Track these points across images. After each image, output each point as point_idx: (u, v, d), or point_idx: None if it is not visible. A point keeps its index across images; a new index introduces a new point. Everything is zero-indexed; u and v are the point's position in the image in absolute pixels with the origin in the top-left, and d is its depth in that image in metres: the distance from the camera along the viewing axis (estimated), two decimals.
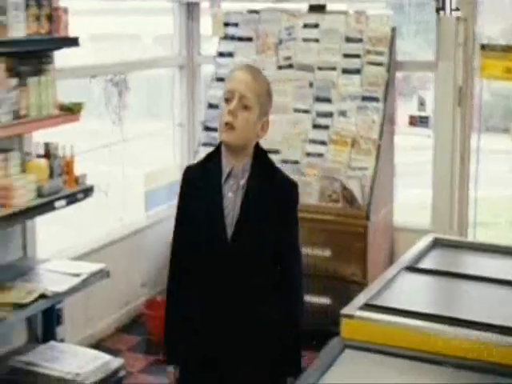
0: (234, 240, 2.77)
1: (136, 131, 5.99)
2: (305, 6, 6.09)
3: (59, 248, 5.13)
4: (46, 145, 4.31)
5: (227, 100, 2.73)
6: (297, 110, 5.85)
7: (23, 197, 3.96)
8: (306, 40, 5.97)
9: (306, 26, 6.01)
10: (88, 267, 4.36)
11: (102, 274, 4.37)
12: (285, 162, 5.65)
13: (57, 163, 4.23)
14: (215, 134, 5.95)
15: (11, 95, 3.93)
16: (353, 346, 2.54)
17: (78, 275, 4.23)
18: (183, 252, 2.89)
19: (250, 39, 6.16)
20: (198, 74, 6.62)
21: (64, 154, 4.31)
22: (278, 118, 5.78)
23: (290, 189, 2.87)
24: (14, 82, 3.96)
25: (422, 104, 6.03)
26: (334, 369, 2.42)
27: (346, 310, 2.67)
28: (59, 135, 4.42)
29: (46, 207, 4.07)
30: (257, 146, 2.86)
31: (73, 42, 4.30)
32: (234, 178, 2.80)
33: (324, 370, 2.42)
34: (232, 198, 2.78)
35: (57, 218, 4.61)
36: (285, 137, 5.78)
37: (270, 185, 2.81)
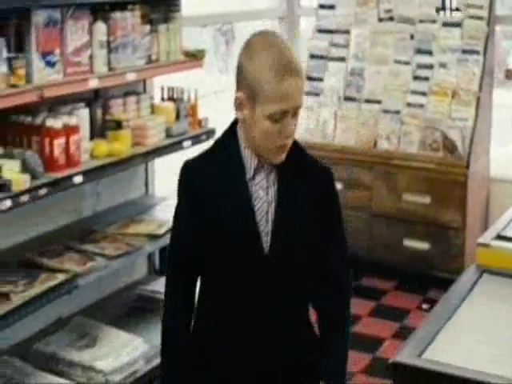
0: (272, 252, 2.17)
1: None
2: None
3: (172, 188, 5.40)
4: (172, 89, 4.58)
5: (276, 118, 2.10)
6: (397, 62, 6.00)
7: (155, 137, 4.24)
8: None
9: None
10: None
11: None
12: (386, 111, 5.86)
13: (183, 106, 4.49)
14: (317, 84, 6.17)
15: (145, 41, 4.19)
16: (490, 272, 2.75)
17: None
18: (191, 272, 2.29)
19: None
20: (298, 26, 6.81)
21: (189, 97, 4.57)
22: (378, 69, 5.98)
23: (330, 177, 2.31)
24: (147, 28, 4.22)
25: None
26: (475, 290, 2.63)
27: (481, 240, 2.87)
28: (171, 81, 4.67)
29: (175, 147, 4.34)
30: None
31: None
32: (261, 173, 2.20)
33: (465, 292, 2.63)
34: (263, 197, 2.19)
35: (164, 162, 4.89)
36: (386, 87, 5.95)
37: (306, 176, 2.24)
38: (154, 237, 4.08)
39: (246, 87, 2.12)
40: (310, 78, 6.23)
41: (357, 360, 4.63)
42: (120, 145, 3.94)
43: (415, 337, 2.30)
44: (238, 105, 2.16)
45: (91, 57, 3.83)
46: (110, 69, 3.93)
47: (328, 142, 6.03)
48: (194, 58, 4.55)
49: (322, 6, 6.38)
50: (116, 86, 4.16)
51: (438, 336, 2.27)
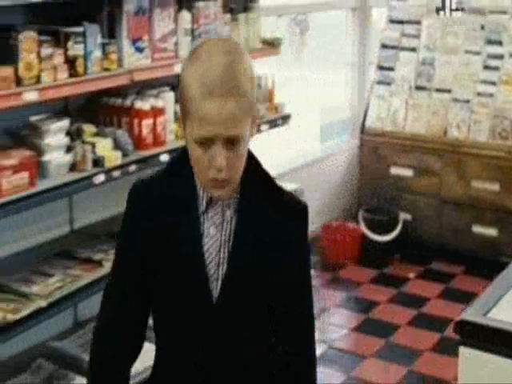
0: (222, 301, 1.84)
1: (312, 68, 6.42)
2: None
3: None
4: None
5: (204, 145, 1.73)
6: (468, 52, 6.12)
7: None
8: None
9: None
10: (286, 185, 4.84)
11: (299, 194, 4.85)
12: (456, 100, 5.99)
13: (261, 92, 4.71)
14: (389, 73, 6.33)
15: (225, 29, 4.42)
16: None
17: None
18: (130, 314, 1.94)
19: None
20: (370, 17, 6.96)
21: (266, 83, 4.79)
22: (449, 59, 6.11)
23: (300, 216, 1.92)
24: (227, 17, 4.45)
25: None
26: None
27: None
28: None
29: None
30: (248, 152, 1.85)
31: None
32: (216, 205, 1.85)
33: None
34: (215, 235, 1.85)
35: None
36: (456, 77, 6.07)
37: (271, 212, 1.87)
38: None
39: (180, 100, 1.78)
40: (381, 68, 6.39)
41: (426, 339, 4.80)
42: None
43: (481, 299, 2.46)
44: (179, 120, 1.92)
45: (176, 43, 4.08)
46: None
47: (399, 130, 6.19)
48: (272, 45, 4.76)
49: None
50: None
51: (502, 298, 2.43)
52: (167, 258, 1.86)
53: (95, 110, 3.93)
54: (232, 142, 1.72)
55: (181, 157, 1.88)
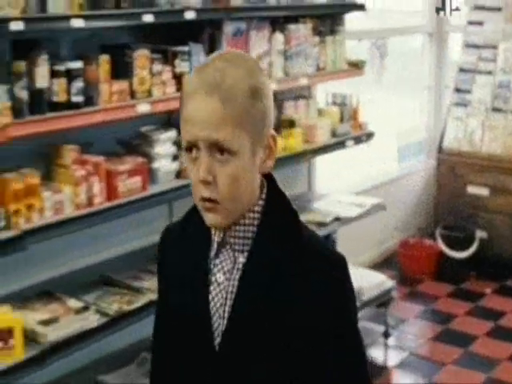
0: (224, 352, 1.62)
1: (390, 91, 6.67)
2: None
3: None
4: (335, 95, 5.07)
5: (190, 153, 1.57)
6: None
7: (322, 136, 4.74)
8: None
9: None
10: (368, 200, 5.09)
11: (379, 207, 5.08)
12: None
13: (346, 110, 4.98)
14: (465, 95, 6.54)
15: (315, 50, 4.71)
16: None
17: (360, 206, 4.97)
18: (163, 357, 1.77)
19: (498, 9, 6.65)
20: (446, 41, 7.19)
21: (350, 102, 5.06)
22: None
23: (332, 275, 1.59)
24: (315, 39, 4.74)
25: None
26: None
27: None
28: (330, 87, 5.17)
29: (338, 145, 4.83)
30: (269, 181, 1.67)
31: (360, 7, 5.01)
32: (228, 249, 1.64)
33: None
34: (224, 283, 1.63)
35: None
36: None
37: (292, 265, 1.58)
38: (321, 224, 4.57)
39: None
40: (458, 90, 6.60)
41: (504, 349, 4.98)
42: (293, 141, 4.46)
43: None
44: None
45: (270, 63, 4.37)
46: (286, 74, 4.46)
47: (475, 150, 6.38)
48: (356, 67, 5.03)
49: (470, 23, 6.75)
50: (289, 90, 4.69)
51: None
52: (173, 303, 1.71)
53: None
54: (219, 151, 1.52)
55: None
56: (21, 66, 3.17)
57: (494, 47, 6.55)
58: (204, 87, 1.52)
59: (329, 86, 5.25)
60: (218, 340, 1.62)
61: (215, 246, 1.65)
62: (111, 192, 3.46)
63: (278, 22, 4.49)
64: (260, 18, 4.32)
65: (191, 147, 1.55)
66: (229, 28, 4.12)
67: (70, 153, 3.38)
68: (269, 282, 1.57)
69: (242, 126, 1.53)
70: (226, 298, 1.62)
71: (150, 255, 4.01)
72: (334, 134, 4.83)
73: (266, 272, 1.58)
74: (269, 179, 1.66)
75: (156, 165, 3.75)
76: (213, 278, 1.64)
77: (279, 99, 4.68)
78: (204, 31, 4.08)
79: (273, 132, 1.62)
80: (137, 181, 3.57)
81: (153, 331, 1.81)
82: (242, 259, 1.62)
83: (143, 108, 3.59)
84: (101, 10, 3.41)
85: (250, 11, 4.22)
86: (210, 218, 1.58)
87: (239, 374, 1.59)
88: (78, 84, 3.33)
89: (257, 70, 1.60)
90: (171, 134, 3.85)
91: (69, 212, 3.31)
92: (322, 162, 5.42)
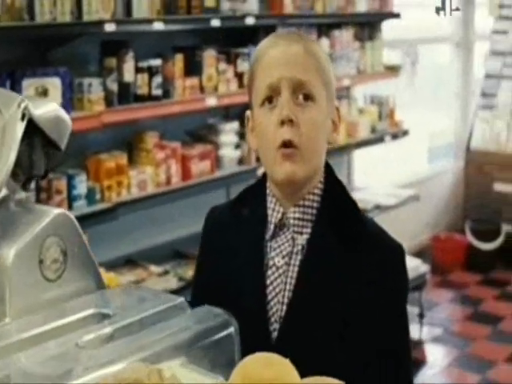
0: (282, 343, 1.55)
1: (420, 97, 7.16)
2: None
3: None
4: (373, 96, 5.57)
5: (270, 101, 1.56)
6: None
7: (363, 131, 5.23)
8: None
9: None
10: (403, 192, 5.58)
11: (414, 198, 5.56)
12: None
13: (384, 110, 5.47)
14: (491, 99, 7.01)
15: (355, 54, 5.20)
16: None
17: (396, 196, 5.45)
18: None
19: None
20: (472, 50, 7.68)
21: (387, 103, 5.55)
22: None
23: (393, 258, 1.61)
24: (356, 44, 5.23)
25: None
26: None
27: None
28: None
29: (377, 140, 5.33)
30: (326, 168, 1.66)
31: (396, 16, 5.51)
32: (286, 231, 1.61)
33: None
34: (283, 267, 1.59)
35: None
36: None
37: (354, 251, 1.58)
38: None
39: (248, 84, 1.65)
40: (484, 95, 7.09)
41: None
42: (338, 135, 4.95)
43: None
44: (246, 121, 1.67)
45: None
46: None
47: (501, 150, 6.85)
48: (393, 70, 5.53)
49: (495, 32, 7.24)
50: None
51: None
52: (226, 289, 1.61)
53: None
54: (301, 92, 1.53)
55: (255, 185, 1.70)
56: (112, 61, 3.69)
57: None
58: (286, 39, 1.58)
59: (366, 89, 5.74)
60: (274, 326, 1.57)
61: (272, 227, 1.60)
62: (186, 173, 3.96)
63: (324, 28, 4.99)
64: (308, 24, 4.82)
65: (271, 96, 1.54)
66: (281, 32, 4.61)
67: (151, 139, 3.89)
68: (330, 267, 1.55)
69: (322, 79, 1.57)
70: (285, 283, 1.57)
71: None
72: (373, 130, 5.32)
73: (327, 257, 1.56)
74: (326, 167, 1.65)
75: (222, 152, 4.25)
76: (271, 262, 1.59)
77: None
78: (259, 35, 4.59)
79: (337, 104, 1.66)
80: (206, 164, 4.07)
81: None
82: (300, 241, 1.58)
83: (211, 101, 4.09)
84: (175, 15, 3.92)
85: (300, 18, 4.72)
86: (286, 168, 1.53)
87: (296, 361, 1.29)
88: (158, 79, 3.84)
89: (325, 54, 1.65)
90: (234, 125, 4.35)
91: (151, 189, 3.81)
92: (359, 158, 5.90)
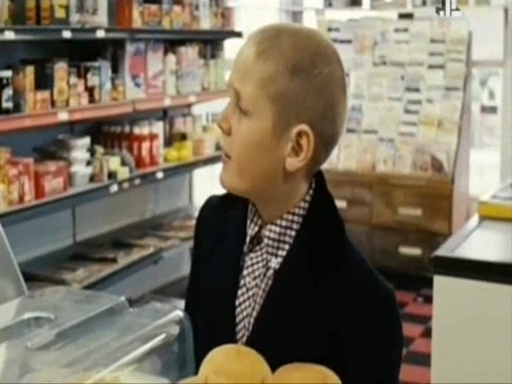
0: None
1: None
2: (396, 14, 7.38)
3: None
4: (214, 114, 5.60)
5: None
6: (391, 99, 7.09)
7: (209, 148, 5.24)
8: (397, 42, 7.23)
9: (397, 30, 7.27)
10: None
11: None
12: (382, 140, 6.94)
13: None
14: None
15: (200, 71, 5.22)
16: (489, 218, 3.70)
17: None
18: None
19: (349, 41, 7.43)
20: None
21: None
22: (375, 105, 7.08)
23: (376, 315, 1.41)
24: (201, 62, 5.25)
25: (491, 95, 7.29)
26: (478, 230, 3.60)
27: (482, 198, 3.81)
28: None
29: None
30: (317, 186, 1.47)
31: (237, 34, 5.57)
32: (262, 249, 1.46)
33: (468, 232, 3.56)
34: (253, 289, 1.46)
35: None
36: (381, 120, 7.03)
37: (331, 288, 1.39)
38: None
39: None
40: None
41: None
42: (185, 152, 4.94)
43: (447, 243, 3.30)
44: None
45: (164, 81, 4.84)
46: (178, 92, 4.95)
47: (333, 167, 7.07)
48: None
49: None
50: (180, 107, 5.18)
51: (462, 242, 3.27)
52: (203, 290, 1.54)
53: (96, 135, 4.60)
54: (240, 103, 1.39)
55: None
56: None
57: (346, 75, 7.26)
58: (253, 38, 1.40)
59: (208, 106, 5.74)
60: (242, 342, 1.44)
61: (248, 240, 1.46)
62: (39, 191, 3.81)
63: (170, 45, 4.97)
64: (155, 40, 4.79)
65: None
66: (130, 47, 4.56)
67: (3, 154, 3.71)
68: (300, 301, 1.38)
69: (268, 92, 1.37)
70: (253, 308, 1.44)
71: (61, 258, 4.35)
72: (218, 147, 5.33)
73: (299, 289, 1.39)
74: (318, 180, 1.47)
75: (73, 169, 4.12)
76: (241, 282, 1.46)
77: (171, 115, 5.15)
78: (106, 50, 4.51)
79: (305, 129, 1.37)
80: (59, 182, 3.93)
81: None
82: (273, 265, 1.43)
83: (63, 116, 3.96)
84: (24, 25, 3.77)
85: (148, 33, 4.68)
86: (220, 174, 1.44)
87: None
88: (9, 91, 3.68)
89: (321, 53, 1.41)
90: (85, 140, 4.24)
91: (3, 207, 3.63)
92: (200, 176, 5.90)
